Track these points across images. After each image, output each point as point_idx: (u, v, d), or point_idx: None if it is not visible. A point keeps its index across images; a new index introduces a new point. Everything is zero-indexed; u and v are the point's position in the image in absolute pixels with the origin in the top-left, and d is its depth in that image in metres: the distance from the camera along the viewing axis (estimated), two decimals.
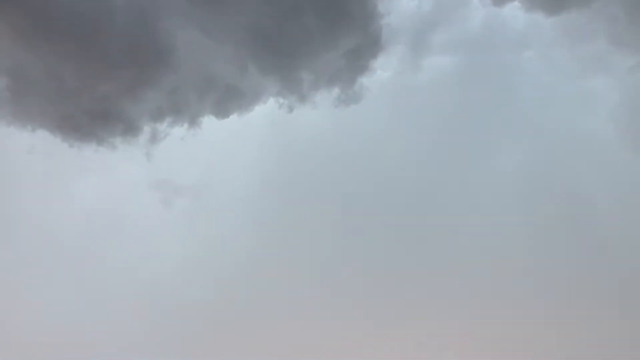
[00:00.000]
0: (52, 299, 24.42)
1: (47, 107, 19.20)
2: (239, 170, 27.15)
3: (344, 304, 27.56)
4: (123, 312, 24.61)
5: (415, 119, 29.67)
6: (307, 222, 28.96)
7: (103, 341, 23.91)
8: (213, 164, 26.32)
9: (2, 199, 24.83)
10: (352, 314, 27.16)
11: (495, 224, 28.30)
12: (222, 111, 21.23)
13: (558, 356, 25.19)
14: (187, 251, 27.06)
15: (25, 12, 16.90)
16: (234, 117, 21.86)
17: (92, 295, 25.12)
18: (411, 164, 29.31)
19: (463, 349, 25.84)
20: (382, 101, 26.43)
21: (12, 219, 25.01)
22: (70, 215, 24.80)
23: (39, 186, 24.58)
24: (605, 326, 24.90)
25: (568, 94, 28.75)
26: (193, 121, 20.47)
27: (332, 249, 28.67)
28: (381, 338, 26.49)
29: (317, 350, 26.12)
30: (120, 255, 25.78)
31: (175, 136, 21.34)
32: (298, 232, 28.83)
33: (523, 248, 27.20)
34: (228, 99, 20.29)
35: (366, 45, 20.53)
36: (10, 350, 22.68)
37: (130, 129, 20.10)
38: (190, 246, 27.13)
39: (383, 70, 24.92)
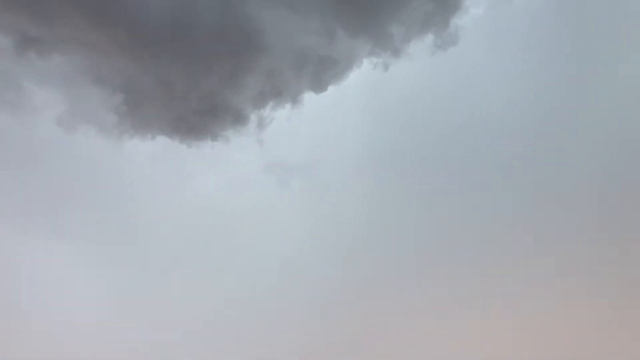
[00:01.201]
0: (197, 293, 25.96)
1: (162, 113, 20.55)
2: (346, 140, 27.33)
3: (464, 273, 27.14)
4: (263, 293, 25.86)
5: (517, 53, 28.02)
6: (419, 185, 28.62)
7: (250, 321, 25.27)
8: (320, 139, 26.69)
9: (132, 206, 26.57)
10: (470, 283, 26.87)
11: None
12: (319, 85, 21.42)
13: None
14: (309, 230, 27.80)
15: (126, 28, 18.02)
16: (332, 90, 22.07)
17: (231, 282, 26.37)
18: (519, 102, 27.82)
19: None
20: (478, 40, 25.29)
21: (144, 224, 26.48)
22: (197, 210, 26.21)
23: (164, 189, 26.13)
24: None
25: None
26: (294, 100, 20.88)
27: (450, 215, 28.21)
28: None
29: (436, 318, 26.31)
30: (247, 242, 26.94)
31: (281, 118, 22.02)
32: (411, 198, 28.61)
33: None
34: (323, 70, 20.39)
35: None
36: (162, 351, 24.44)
37: (238, 119, 20.96)
38: (310, 224, 27.84)
39: (475, 8, 23.75)
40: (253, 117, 21.45)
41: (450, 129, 29.04)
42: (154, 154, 23.39)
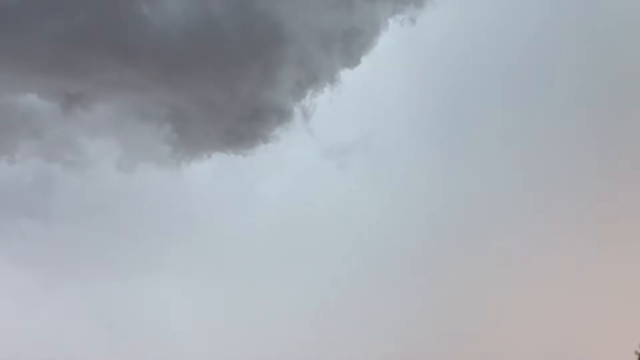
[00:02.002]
0: (295, 297, 26.11)
1: (210, 130, 20.94)
2: (394, 107, 26.78)
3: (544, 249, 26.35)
4: (366, 282, 25.93)
5: None
6: (481, 134, 27.84)
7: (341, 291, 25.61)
8: (367, 113, 26.35)
9: (208, 227, 26.98)
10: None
11: None
12: (351, 59, 21.10)
13: None
14: (383, 205, 27.59)
15: (154, 59, 18.46)
16: (366, 61, 21.64)
17: (326, 280, 26.40)
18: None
19: None
20: None
21: (224, 241, 26.74)
22: (271, 216, 26.34)
23: (233, 204, 26.52)
24: None
25: None
26: (332, 80, 20.69)
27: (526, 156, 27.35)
28: None
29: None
30: (328, 233, 26.97)
31: (323, 103, 21.82)
32: (476, 149, 27.88)
33: None
34: (350, 43, 20.10)
35: None
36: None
37: (283, 116, 20.99)
38: (383, 199, 27.63)
39: None
40: (296, 110, 21.40)
41: (496, 69, 27.91)
42: (213, 172, 23.92)
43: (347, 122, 25.46)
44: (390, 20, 20.68)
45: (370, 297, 26.25)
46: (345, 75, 21.43)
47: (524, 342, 24.65)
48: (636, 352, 17.57)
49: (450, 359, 25.89)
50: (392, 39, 22.43)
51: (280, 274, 26.23)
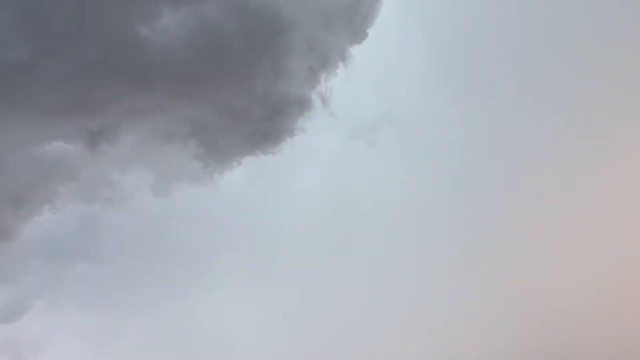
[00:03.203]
0: (358, 291, 25.85)
1: (235, 137, 20.87)
2: (412, 76, 26.37)
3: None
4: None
5: None
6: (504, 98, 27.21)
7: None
8: (386, 86, 25.96)
9: (256, 235, 26.95)
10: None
11: None
12: (357, 33, 20.76)
13: None
14: (415, 179, 27.23)
15: (165, 78, 18.41)
16: (374, 33, 21.20)
17: (383, 270, 26.08)
18: None
19: None
20: None
21: (277, 246, 26.65)
22: (314, 210, 26.37)
23: (273, 205, 26.48)
24: None
25: None
26: (343, 58, 20.38)
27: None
28: None
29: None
30: (375, 217, 26.69)
31: (339, 84, 21.52)
32: (500, 114, 27.31)
33: None
34: (353, 16, 19.72)
35: None
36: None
37: (303, 106, 20.80)
38: (414, 172, 27.27)
39: None
40: (315, 97, 21.16)
41: (507, 20, 27.03)
42: (247, 178, 23.91)
43: (367, 99, 25.24)
44: None
45: (436, 280, 25.83)
46: (356, 52, 21.24)
47: None
48: None
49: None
50: (395, 5, 22.18)
51: (335, 270, 26.09)
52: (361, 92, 24.13)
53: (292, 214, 26.40)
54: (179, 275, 24.68)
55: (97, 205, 22.40)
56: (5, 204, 19.72)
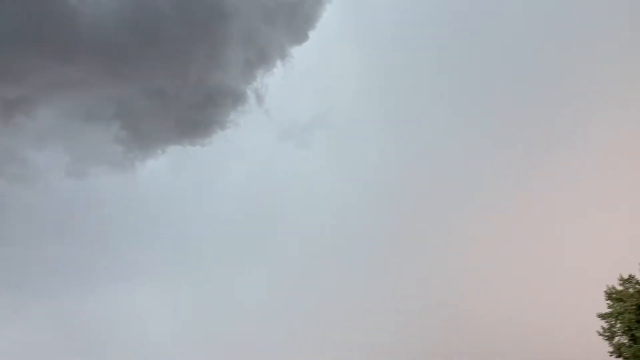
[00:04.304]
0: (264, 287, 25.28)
1: (162, 123, 20.04)
2: (349, 80, 26.36)
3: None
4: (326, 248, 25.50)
5: None
6: (434, 101, 27.76)
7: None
8: (323, 88, 25.85)
9: (172, 228, 25.86)
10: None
11: None
12: (298, 34, 20.57)
13: None
14: (343, 183, 27.25)
15: (96, 53, 17.46)
16: (316, 36, 21.11)
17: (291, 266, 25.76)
18: None
19: None
20: None
21: (192, 240, 25.70)
22: (229, 204, 25.53)
23: (195, 199, 25.58)
24: None
25: None
26: (282, 55, 20.11)
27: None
28: None
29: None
30: (296, 214, 26.32)
31: (276, 82, 21.22)
32: (431, 117, 27.81)
33: None
34: (296, 15, 19.55)
35: None
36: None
37: (237, 99, 20.33)
38: (343, 177, 27.27)
39: None
40: (249, 93, 20.75)
41: (449, 33, 27.53)
42: (171, 168, 23.03)
43: (303, 101, 25.03)
44: None
45: (348, 281, 25.79)
46: (296, 52, 21.06)
47: None
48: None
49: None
50: (337, 11, 22.22)
51: (253, 269, 25.47)
52: (298, 93, 23.98)
53: (215, 209, 25.67)
54: (88, 263, 23.22)
55: (2, 181, 20.74)
56: None
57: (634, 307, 16.81)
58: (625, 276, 17.43)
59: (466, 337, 23.37)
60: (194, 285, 25.29)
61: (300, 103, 24.70)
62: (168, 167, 22.78)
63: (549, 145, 27.21)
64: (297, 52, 21.09)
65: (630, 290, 17.21)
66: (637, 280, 17.40)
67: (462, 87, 27.26)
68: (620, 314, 17.24)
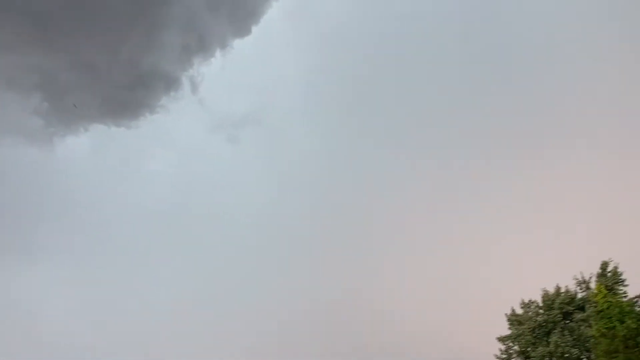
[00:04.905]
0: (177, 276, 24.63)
1: (87, 99, 19.08)
2: (288, 78, 26.26)
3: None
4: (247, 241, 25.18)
5: None
6: (373, 106, 28.10)
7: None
8: (261, 84, 25.56)
9: (85, 211, 24.69)
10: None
11: None
12: (241, 27, 20.23)
13: None
14: (271, 183, 27.08)
15: (27, 16, 16.43)
16: (258, 31, 20.86)
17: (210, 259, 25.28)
18: None
19: None
20: None
21: (103, 226, 24.86)
22: (151, 190, 24.85)
23: (113, 184, 24.66)
24: None
25: None
26: (222, 46, 19.70)
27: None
28: None
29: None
30: (217, 210, 25.88)
31: (214, 72, 20.80)
32: (368, 126, 28.09)
33: None
34: (240, 7, 19.25)
35: None
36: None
37: (170, 84, 19.70)
38: (274, 173, 27.10)
39: None
40: (184, 80, 20.19)
41: (389, 33, 27.82)
42: (92, 147, 22.02)
43: (240, 95, 24.67)
44: None
45: (262, 279, 25.54)
46: (238, 45, 20.73)
47: None
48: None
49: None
50: (284, 11, 22.13)
51: (166, 260, 24.86)
52: (235, 86, 23.60)
53: (135, 195, 24.78)
54: None
55: None
56: None
57: (530, 329, 17.68)
58: (526, 300, 18.42)
59: (369, 334, 23.67)
60: (99, 271, 24.30)
61: (235, 96, 24.38)
62: (89, 146, 21.88)
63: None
64: (239, 45, 20.84)
65: (530, 313, 18.10)
66: (538, 304, 18.45)
67: (402, 90, 27.71)
68: (518, 336, 18.10)
